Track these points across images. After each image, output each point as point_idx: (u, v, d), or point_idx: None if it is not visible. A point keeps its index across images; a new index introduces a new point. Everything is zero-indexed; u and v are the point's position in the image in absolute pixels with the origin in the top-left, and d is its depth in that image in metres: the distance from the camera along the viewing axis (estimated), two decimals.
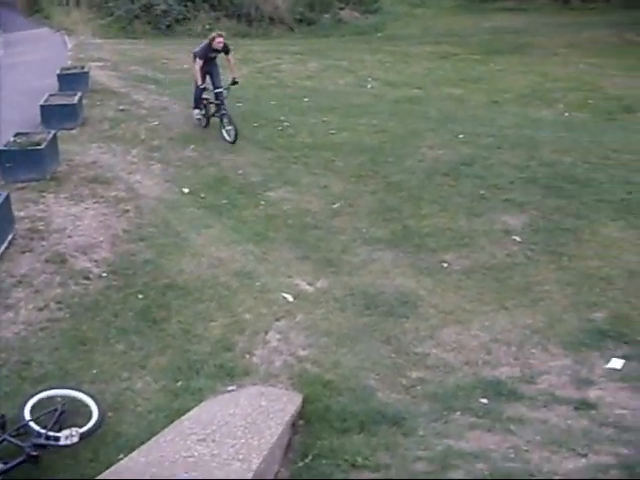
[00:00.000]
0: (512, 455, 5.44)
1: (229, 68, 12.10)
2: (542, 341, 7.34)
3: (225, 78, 12.05)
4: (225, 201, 9.92)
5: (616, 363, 6.97)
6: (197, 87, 11.92)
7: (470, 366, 7.00)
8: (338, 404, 6.28)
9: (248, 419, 5.59)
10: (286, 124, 12.59)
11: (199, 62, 11.72)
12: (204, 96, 11.95)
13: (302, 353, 7.04)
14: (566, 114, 15.25)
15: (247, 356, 6.96)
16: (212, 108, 12.02)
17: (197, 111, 12.29)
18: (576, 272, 8.35)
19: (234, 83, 11.97)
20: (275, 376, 6.70)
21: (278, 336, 7.25)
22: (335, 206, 9.84)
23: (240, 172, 10.74)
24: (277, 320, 7.50)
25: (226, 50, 11.89)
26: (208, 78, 11.93)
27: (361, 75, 17.61)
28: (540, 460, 5.29)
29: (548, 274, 8.34)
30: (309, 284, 8.19)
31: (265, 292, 7.93)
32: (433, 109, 14.36)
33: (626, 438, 5.59)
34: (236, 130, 11.59)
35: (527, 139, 11.86)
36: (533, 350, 7.23)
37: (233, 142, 11.57)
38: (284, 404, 6.14)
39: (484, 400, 6.40)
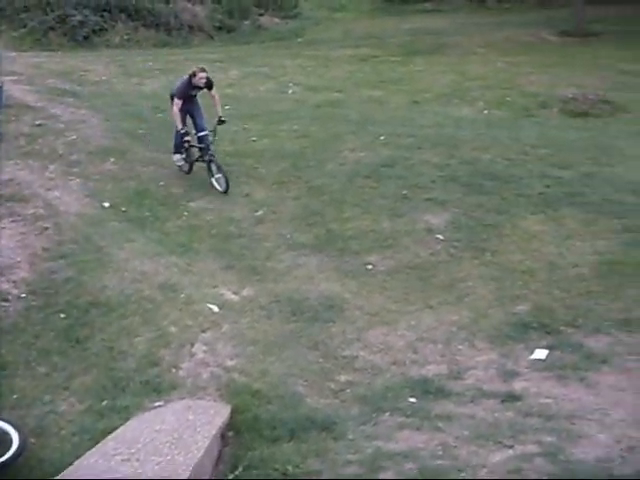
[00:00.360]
0: (441, 452, 5.52)
1: (213, 105, 10.77)
2: (468, 337, 7.46)
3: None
4: (147, 214, 9.76)
5: (540, 354, 7.13)
6: (177, 131, 10.52)
7: (398, 366, 7.06)
8: (267, 413, 6.27)
9: (175, 435, 5.52)
10: None
11: (178, 102, 10.33)
12: (186, 139, 10.53)
13: (229, 363, 6.99)
14: (485, 112, 15.56)
15: (174, 370, 6.86)
16: (195, 152, 10.82)
17: (177, 156, 10.91)
18: (499, 267, 8.51)
19: (221, 122, 10.57)
20: (203, 388, 6.64)
21: (204, 347, 7.18)
22: (258, 213, 9.79)
23: (162, 184, 10.59)
24: (203, 331, 7.42)
25: (209, 85, 10.58)
26: (189, 119, 10.69)
27: (282, 81, 17.59)
28: (468, 455, 5.38)
29: (472, 270, 8.48)
30: (234, 293, 8.13)
31: (190, 304, 7.83)
32: (354, 112, 14.43)
33: (550, 426, 5.74)
34: (227, 178, 10.31)
35: (447, 138, 12.03)
36: (459, 346, 7.34)
37: (225, 192, 10.32)
38: (212, 416, 6.09)
39: (412, 399, 6.47)
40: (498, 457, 5.28)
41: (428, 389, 6.59)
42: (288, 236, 9.19)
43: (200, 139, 10.60)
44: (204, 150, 10.54)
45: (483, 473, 5.08)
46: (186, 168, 10.98)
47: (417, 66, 19.57)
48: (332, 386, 6.80)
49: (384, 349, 7.30)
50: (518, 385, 6.61)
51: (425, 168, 10.69)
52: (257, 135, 12.27)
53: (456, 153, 11.25)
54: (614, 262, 8.49)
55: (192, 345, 7.19)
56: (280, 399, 6.48)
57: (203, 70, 10.49)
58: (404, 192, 10.02)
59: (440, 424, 5.96)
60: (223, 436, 5.95)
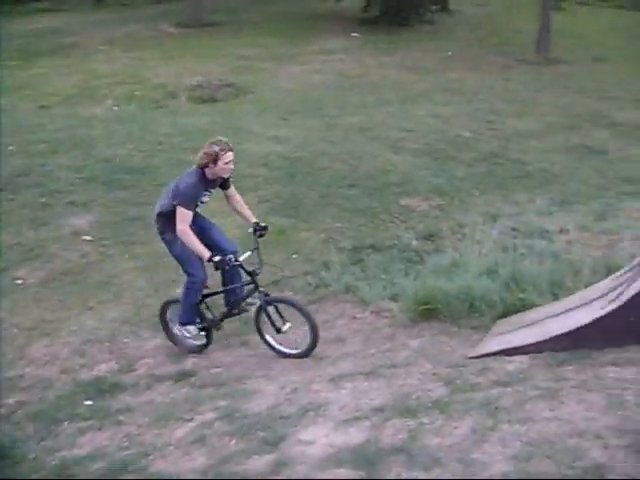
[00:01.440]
0: (127, 443, 5.61)
1: (235, 210, 6.84)
2: (132, 329, 7.60)
3: None
4: None
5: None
6: (193, 271, 6.56)
7: (67, 374, 6.95)
8: None
9: None
10: None
11: (187, 216, 6.26)
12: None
13: None
14: (115, 108, 15.66)
15: None
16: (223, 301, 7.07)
17: (192, 328, 6.86)
18: (149, 257, 8.70)
19: (262, 232, 6.67)
20: None
21: None
22: None
23: None
24: None
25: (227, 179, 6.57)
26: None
27: None
28: (153, 438, 5.54)
29: (124, 265, 8.59)
30: None
31: None
32: None
33: (224, 392, 6.12)
34: (316, 331, 6.47)
35: (81, 139, 11.93)
36: (125, 339, 7.45)
37: (310, 351, 6.59)
38: None
39: (89, 402, 6.45)
40: (181, 432, 5.51)
41: (102, 388, 6.61)
42: None
43: (235, 266, 6.51)
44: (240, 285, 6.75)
45: (170, 450, 5.29)
46: (201, 344, 7.07)
47: (40, 69, 19.01)
48: (2, 412, 6.50)
49: (50, 360, 7.13)
50: (188, 363, 6.93)
51: (62, 172, 10.50)
52: None
53: (92, 153, 11.22)
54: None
55: None
56: None
57: (229, 148, 6.29)
58: (44, 200, 9.76)
59: (121, 417, 6.05)
60: None
